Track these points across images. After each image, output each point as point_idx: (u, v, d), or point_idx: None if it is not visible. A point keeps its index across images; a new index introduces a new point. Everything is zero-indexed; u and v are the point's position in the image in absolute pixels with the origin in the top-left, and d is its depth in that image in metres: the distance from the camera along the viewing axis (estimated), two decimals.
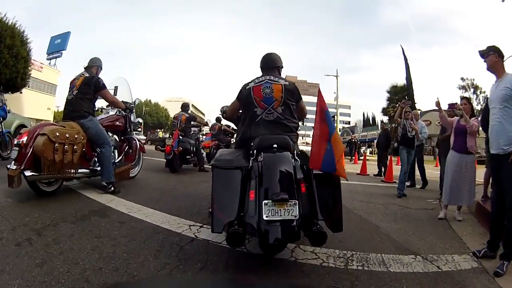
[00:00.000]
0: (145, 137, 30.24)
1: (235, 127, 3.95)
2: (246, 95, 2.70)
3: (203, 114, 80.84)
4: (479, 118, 4.35)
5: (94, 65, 4.41)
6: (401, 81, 35.05)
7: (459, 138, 4.20)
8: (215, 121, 10.38)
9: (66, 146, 3.62)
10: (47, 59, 34.29)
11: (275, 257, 2.47)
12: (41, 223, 2.81)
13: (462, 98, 4.77)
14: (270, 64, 2.89)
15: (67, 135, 3.66)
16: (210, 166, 2.48)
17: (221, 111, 3.43)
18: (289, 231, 2.03)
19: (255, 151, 2.38)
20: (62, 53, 34.47)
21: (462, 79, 37.65)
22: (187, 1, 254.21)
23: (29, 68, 20.01)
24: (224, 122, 9.93)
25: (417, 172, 7.38)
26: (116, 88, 5.26)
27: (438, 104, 4.21)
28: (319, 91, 2.33)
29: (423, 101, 62.85)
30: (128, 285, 1.24)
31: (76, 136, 3.79)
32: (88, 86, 4.12)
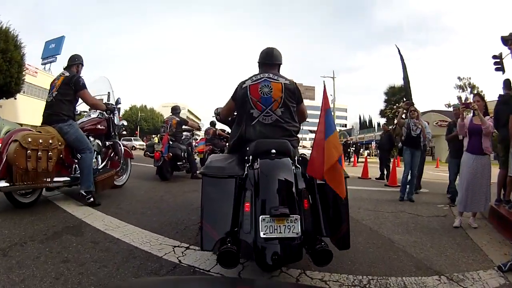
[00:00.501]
0: (144, 143, 29.64)
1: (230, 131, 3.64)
2: (241, 95, 2.42)
3: (199, 119, 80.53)
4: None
5: (74, 63, 4.05)
6: (398, 81, 34.85)
7: (474, 139, 3.90)
8: (209, 125, 9.98)
9: (39, 153, 3.33)
10: (42, 64, 34.24)
11: None
12: (9, 241, 2.54)
13: (475, 94, 4.42)
14: (271, 60, 2.59)
15: (40, 141, 3.36)
16: None
17: (215, 113, 3.15)
18: (290, 250, 1.76)
19: (250, 156, 2.11)
20: (56, 57, 34.41)
21: (459, 78, 37.33)
22: (183, 3, 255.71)
23: (23, 73, 19.97)
24: (219, 126, 9.60)
25: None
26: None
27: (462, 110, 3.95)
28: (325, 89, 2.01)
29: (420, 102, 63.20)
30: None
31: (50, 141, 3.48)
32: (68, 86, 3.80)
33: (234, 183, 1.99)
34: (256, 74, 2.50)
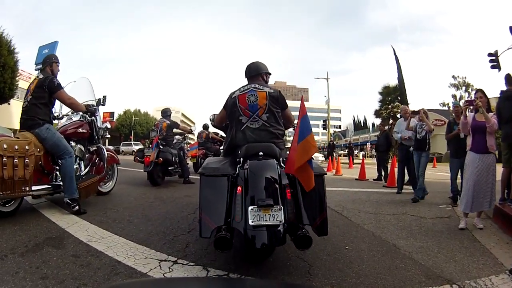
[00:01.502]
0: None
1: (223, 135, 3.60)
2: (231, 104, 2.73)
3: (193, 123, 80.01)
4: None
5: (46, 65, 3.85)
6: (393, 81, 34.87)
7: (478, 137, 3.77)
8: (202, 128, 9.73)
9: (15, 160, 3.13)
10: (36, 70, 33.69)
11: None
12: None
13: (477, 90, 4.23)
14: (253, 72, 2.93)
15: (16, 147, 3.17)
16: (198, 177, 2.43)
17: (210, 119, 3.40)
18: (275, 236, 2.05)
19: (242, 158, 2.40)
20: None
21: (454, 77, 37.19)
22: (179, 6, 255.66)
23: (17, 78, 19.71)
24: (211, 129, 9.36)
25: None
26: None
27: (465, 107, 3.87)
28: (302, 98, 2.31)
29: (415, 101, 63.44)
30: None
31: (27, 147, 3.27)
32: (42, 89, 3.60)
33: (227, 181, 2.28)
34: (244, 85, 2.81)
